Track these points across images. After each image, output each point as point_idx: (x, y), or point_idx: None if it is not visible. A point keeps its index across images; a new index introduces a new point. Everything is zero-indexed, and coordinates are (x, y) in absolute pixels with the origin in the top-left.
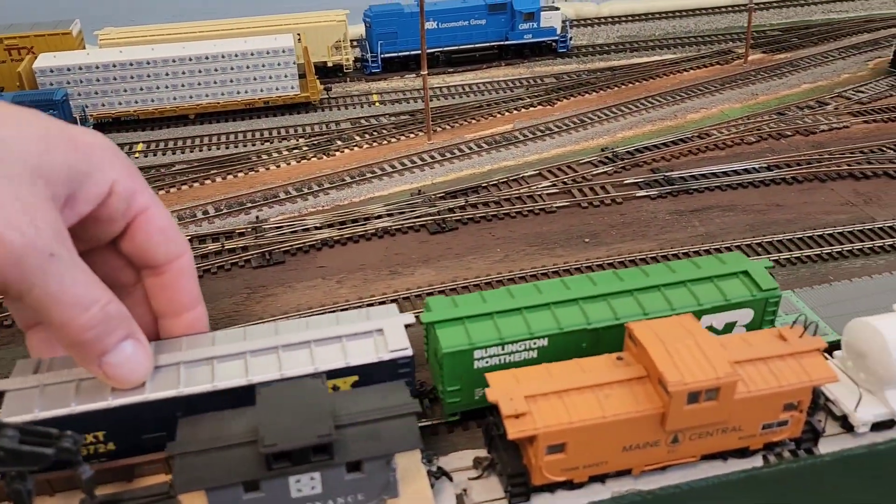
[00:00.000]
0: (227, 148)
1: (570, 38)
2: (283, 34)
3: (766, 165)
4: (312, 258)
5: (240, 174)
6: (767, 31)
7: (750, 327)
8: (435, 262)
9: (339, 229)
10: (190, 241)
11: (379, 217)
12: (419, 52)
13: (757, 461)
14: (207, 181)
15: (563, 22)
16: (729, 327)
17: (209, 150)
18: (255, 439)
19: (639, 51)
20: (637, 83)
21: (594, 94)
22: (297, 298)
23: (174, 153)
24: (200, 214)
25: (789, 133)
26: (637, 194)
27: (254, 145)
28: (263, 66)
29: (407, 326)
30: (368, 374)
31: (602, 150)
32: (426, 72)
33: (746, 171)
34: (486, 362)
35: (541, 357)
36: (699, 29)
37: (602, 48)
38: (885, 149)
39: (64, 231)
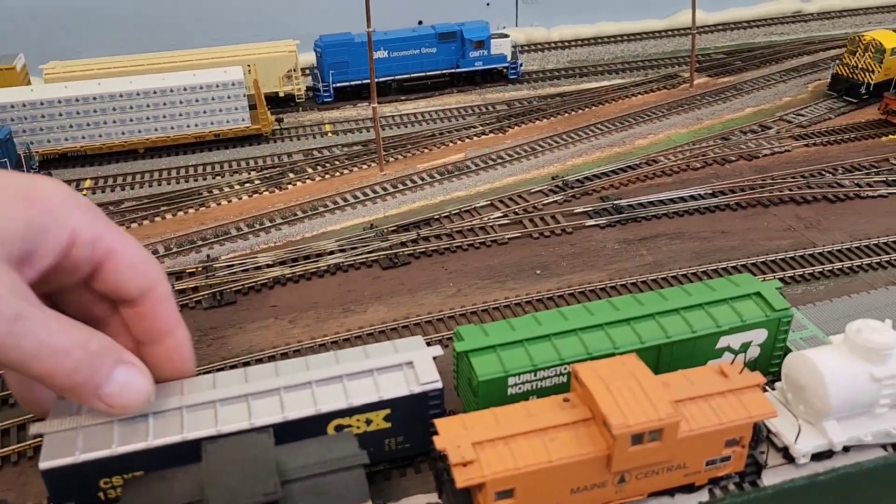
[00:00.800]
0: (177, 183)
1: (521, 65)
2: (233, 66)
3: (711, 192)
4: (264, 297)
5: (190, 210)
6: (712, 53)
7: (764, 346)
8: (388, 298)
9: (291, 267)
10: None
11: (331, 253)
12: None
13: (703, 496)
14: (157, 218)
15: (513, 48)
16: (745, 347)
17: (159, 185)
18: (200, 499)
19: (588, 76)
20: (586, 109)
21: (545, 120)
22: (249, 340)
23: (123, 189)
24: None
25: (733, 158)
26: (587, 223)
27: (204, 179)
28: (213, 99)
29: (434, 358)
30: (400, 407)
31: (553, 178)
32: (376, 103)
33: (693, 197)
34: (519, 389)
35: (569, 382)
36: (646, 53)
37: (552, 73)
38: (824, 173)
39: (24, 288)
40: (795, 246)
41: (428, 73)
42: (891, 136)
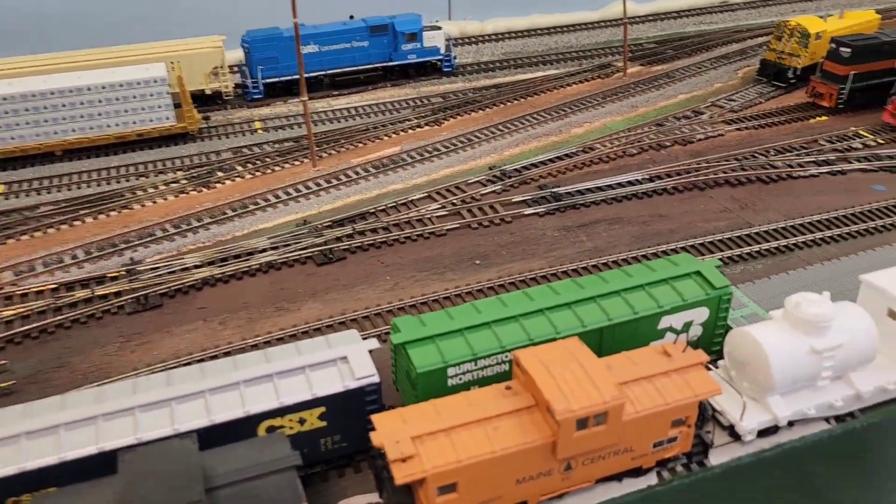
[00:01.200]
0: (98, 185)
1: (455, 57)
2: (156, 63)
3: (648, 177)
4: (192, 299)
5: (112, 213)
6: (644, 43)
7: (706, 325)
8: (323, 294)
9: (220, 267)
10: (55, 289)
11: (263, 251)
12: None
13: (652, 479)
14: (77, 222)
15: (447, 41)
16: (687, 326)
17: (78, 188)
18: None
19: (523, 67)
20: (522, 99)
21: (481, 112)
22: (177, 344)
23: (39, 193)
24: (69, 259)
25: (668, 143)
26: (525, 212)
27: (128, 181)
28: (135, 97)
29: (371, 352)
30: (335, 404)
31: (490, 168)
32: (307, 97)
33: (630, 183)
34: (461, 379)
35: (511, 369)
36: (580, 44)
37: (487, 66)
38: (756, 155)
39: None
40: (732, 227)
41: (360, 68)
42: (819, 118)
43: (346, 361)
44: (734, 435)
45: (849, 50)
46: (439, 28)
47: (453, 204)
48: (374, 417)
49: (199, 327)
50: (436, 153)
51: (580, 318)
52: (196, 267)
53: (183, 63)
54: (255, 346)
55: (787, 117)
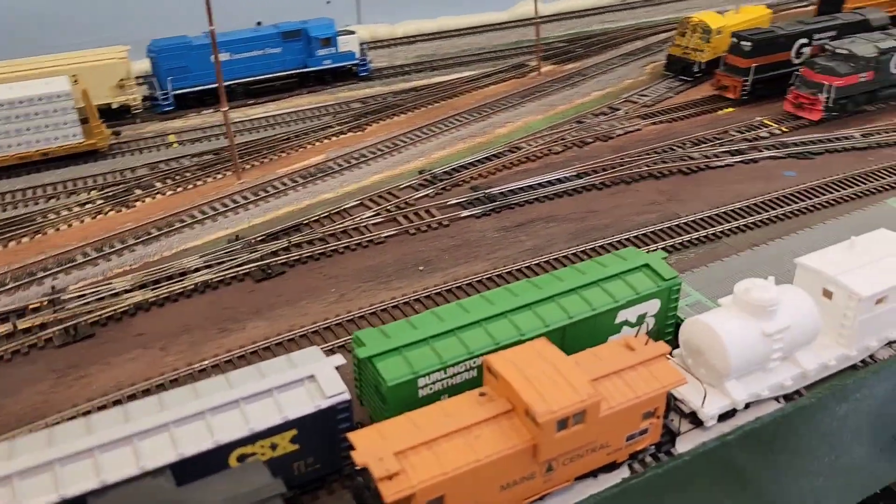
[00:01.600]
0: (3, 211)
1: (370, 61)
2: (57, 77)
3: (576, 174)
4: (127, 326)
5: (24, 239)
6: (553, 42)
7: (658, 316)
8: (267, 312)
9: (153, 289)
10: None
11: (197, 270)
12: (214, 85)
13: (625, 472)
14: None
15: (361, 45)
16: (641, 319)
17: None
18: None
19: (438, 69)
20: (442, 102)
21: (403, 116)
22: (117, 375)
23: None
24: None
25: (590, 140)
26: (462, 215)
27: (36, 204)
28: (37, 114)
29: (337, 368)
30: (307, 426)
31: (420, 172)
32: (226, 107)
33: (559, 181)
34: (431, 389)
35: (480, 375)
36: (491, 44)
37: (402, 69)
38: (674, 148)
39: None
40: (662, 218)
41: (275, 75)
42: (726, 110)
43: (314, 380)
44: (696, 421)
45: (749, 44)
46: (353, 32)
47: (388, 210)
48: (352, 436)
49: (139, 355)
50: (363, 159)
51: (542, 318)
52: (126, 291)
53: (86, 76)
54: (203, 371)
55: (697, 110)
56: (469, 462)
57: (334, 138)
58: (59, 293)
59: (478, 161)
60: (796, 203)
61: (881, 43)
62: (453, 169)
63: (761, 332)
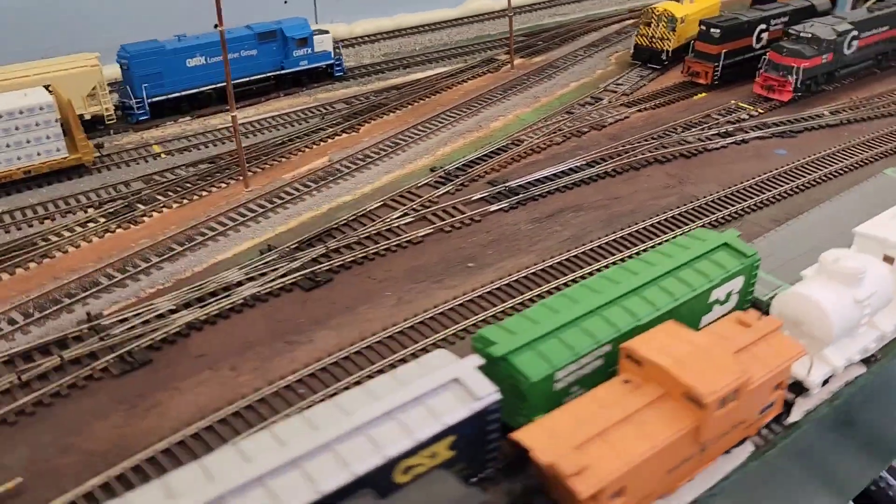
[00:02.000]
0: None
1: (344, 61)
2: (32, 88)
3: (585, 163)
4: (183, 348)
5: (31, 265)
6: (514, 37)
7: (741, 293)
8: (327, 321)
9: (201, 307)
10: (6, 362)
11: (240, 284)
12: (191, 91)
13: (750, 446)
14: None
15: (335, 45)
16: (728, 297)
17: None
18: None
19: (410, 67)
20: (426, 99)
21: (392, 114)
22: (193, 401)
23: None
24: (6, 325)
25: (586, 129)
26: (491, 209)
27: (30, 226)
28: (17, 128)
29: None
30: (463, 431)
31: (431, 170)
32: (235, 112)
33: (572, 170)
34: (564, 382)
35: (606, 363)
36: (453, 41)
37: (374, 68)
38: (668, 133)
39: None
40: (682, 200)
41: (252, 78)
42: (700, 95)
43: (460, 383)
44: (801, 390)
45: (719, 31)
46: (327, 32)
47: (415, 210)
48: (520, 435)
49: (208, 378)
50: (368, 160)
51: (651, 303)
52: (172, 312)
53: (57, 85)
54: (288, 388)
55: (674, 96)
56: (646, 450)
57: (330, 140)
58: (96, 319)
59: (486, 155)
60: (799, 178)
61: (837, 26)
62: (464, 164)
63: (853, 300)
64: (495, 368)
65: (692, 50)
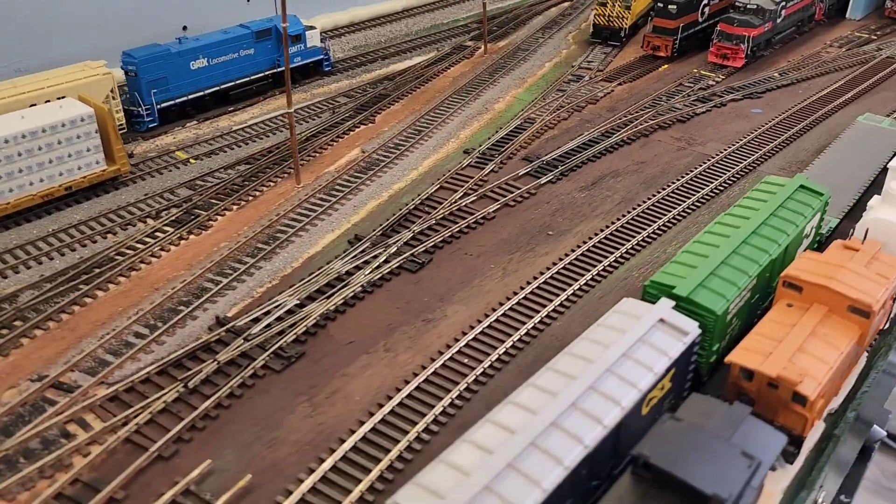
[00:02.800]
0: (62, 255)
1: (331, 55)
2: (67, 99)
3: (601, 134)
4: (328, 338)
5: (121, 279)
6: (465, 24)
7: (817, 227)
8: (450, 296)
9: (327, 298)
10: (160, 373)
11: (350, 273)
12: (197, 94)
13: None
14: (88, 300)
15: (323, 41)
16: (814, 230)
17: (40, 263)
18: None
19: (388, 58)
20: (422, 87)
21: (398, 104)
22: (367, 383)
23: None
24: (134, 339)
25: (583, 104)
26: (542, 182)
27: (94, 242)
28: (60, 143)
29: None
30: (679, 363)
31: (465, 152)
32: (292, 109)
33: (593, 141)
34: (730, 313)
35: (752, 296)
36: (413, 31)
37: (354, 61)
38: (656, 102)
39: None
40: (700, 160)
41: (251, 78)
42: (664, 66)
43: (665, 322)
44: None
45: (675, 7)
46: (314, 27)
47: (473, 189)
48: (735, 356)
49: (369, 361)
50: (402, 147)
51: (773, 239)
52: (299, 306)
53: (75, 95)
54: (454, 359)
55: (642, 70)
56: (837, 357)
57: (352, 133)
58: (228, 320)
59: (508, 135)
60: (784, 132)
61: None
62: (494, 145)
63: None
64: (677, 308)
65: (651, 26)
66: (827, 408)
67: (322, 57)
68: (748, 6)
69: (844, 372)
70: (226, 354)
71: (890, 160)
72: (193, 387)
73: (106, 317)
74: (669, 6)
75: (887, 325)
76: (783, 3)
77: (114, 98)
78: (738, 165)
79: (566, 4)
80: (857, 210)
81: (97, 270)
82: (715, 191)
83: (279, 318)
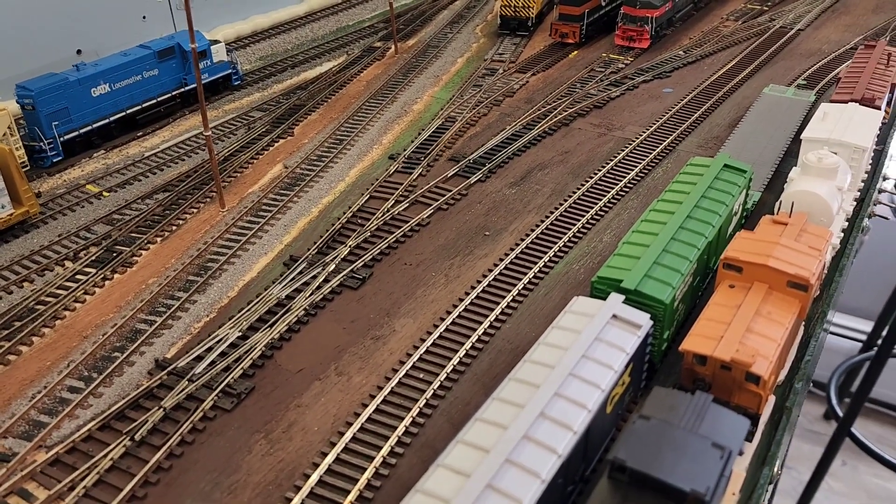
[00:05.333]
0: None
1: (240, 69)
2: None
3: (522, 126)
4: (278, 368)
5: (46, 331)
6: (374, 24)
7: (743, 203)
8: (395, 310)
9: (270, 326)
10: (102, 428)
11: (290, 298)
12: (101, 122)
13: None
14: (11, 356)
15: (230, 54)
16: (739, 207)
17: None
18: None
19: (298, 66)
20: (336, 94)
21: (314, 113)
22: (324, 411)
23: None
24: (70, 394)
25: (501, 98)
26: (471, 181)
27: (9, 293)
28: None
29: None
30: (636, 357)
31: (390, 157)
32: (209, 132)
33: (515, 136)
34: (676, 300)
35: (695, 278)
36: (319, 35)
37: (264, 72)
38: (571, 91)
39: None
40: (621, 144)
41: (158, 100)
42: (574, 53)
43: (618, 318)
44: None
45: None
46: (219, 41)
47: (403, 196)
48: (688, 345)
49: (323, 388)
50: (325, 159)
51: (706, 221)
52: (242, 338)
53: None
54: (409, 376)
55: (553, 58)
56: (783, 332)
57: (271, 148)
58: (167, 364)
59: (431, 137)
60: (696, 109)
61: None
62: (418, 148)
63: (836, 189)
64: (626, 301)
65: (558, 14)
66: (776, 381)
67: (230, 71)
68: None
69: (789, 345)
70: (171, 399)
71: (801, 130)
72: (141, 439)
73: (34, 374)
74: None
75: (818, 293)
76: None
77: (12, 135)
78: (658, 147)
79: None
80: (776, 181)
81: (17, 324)
82: (640, 174)
83: (223, 354)
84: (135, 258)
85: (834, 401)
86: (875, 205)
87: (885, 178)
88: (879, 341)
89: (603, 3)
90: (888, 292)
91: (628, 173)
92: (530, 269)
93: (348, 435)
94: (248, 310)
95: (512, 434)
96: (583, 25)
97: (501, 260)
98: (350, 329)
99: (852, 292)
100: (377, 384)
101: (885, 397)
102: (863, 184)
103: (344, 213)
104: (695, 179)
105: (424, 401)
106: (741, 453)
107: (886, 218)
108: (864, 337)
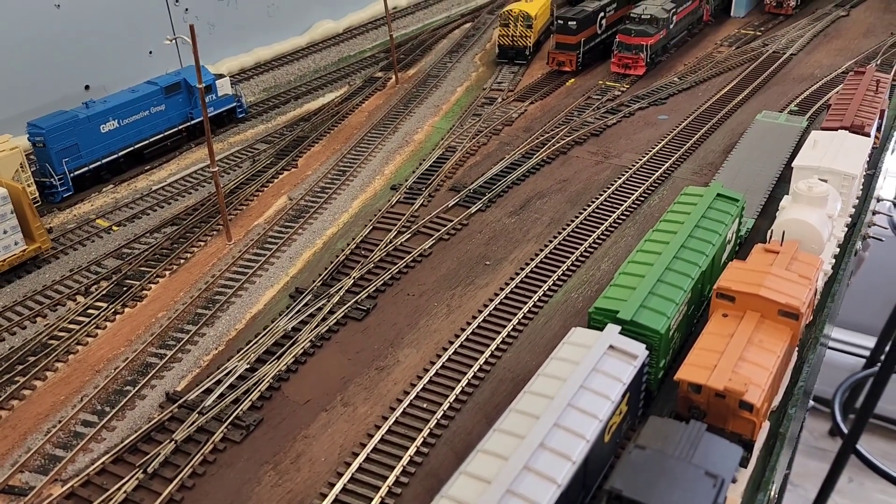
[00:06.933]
0: None
1: (246, 101)
2: None
3: (521, 156)
4: (285, 399)
5: (59, 365)
6: (375, 54)
7: (737, 232)
8: (399, 341)
9: (278, 358)
10: (116, 461)
11: (296, 329)
12: (110, 157)
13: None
14: (27, 391)
15: (234, 87)
16: (734, 236)
17: None
18: None
19: (300, 98)
20: (340, 124)
21: (317, 145)
22: (331, 441)
23: None
24: (84, 428)
25: (500, 127)
26: (472, 211)
27: (23, 328)
28: None
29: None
30: (632, 387)
31: (392, 188)
32: (216, 168)
33: (514, 165)
34: (671, 329)
35: (689, 307)
36: (321, 66)
37: (267, 104)
38: (568, 119)
39: None
40: (618, 172)
41: (164, 134)
42: (571, 81)
43: (615, 348)
44: None
45: (575, 23)
46: (223, 75)
47: (406, 227)
48: (683, 374)
49: (329, 419)
50: (328, 190)
51: (700, 251)
52: (251, 370)
53: None
54: (414, 405)
55: (551, 86)
56: (774, 361)
57: (276, 180)
58: (177, 397)
59: (432, 167)
60: (691, 135)
61: (665, 5)
62: (420, 178)
63: (827, 217)
64: (623, 331)
65: (555, 43)
66: (770, 408)
67: (235, 104)
68: (642, 17)
69: (782, 371)
70: (182, 432)
71: (793, 156)
72: (153, 471)
73: (49, 408)
74: (570, 22)
75: (810, 319)
76: (674, 9)
77: (24, 172)
78: (654, 174)
79: (468, 25)
80: (769, 207)
81: (32, 359)
82: (636, 202)
83: (231, 386)
84: (144, 292)
85: (839, 417)
86: (869, 226)
87: (878, 200)
88: (883, 357)
89: (599, 32)
90: (891, 308)
91: (625, 201)
92: (530, 298)
93: (354, 465)
94: (255, 342)
95: (513, 464)
96: (579, 54)
97: (502, 289)
98: (355, 360)
99: (855, 308)
100: (382, 414)
101: (890, 413)
102: (854, 209)
103: (347, 245)
104: (688, 209)
105: (428, 430)
106: (734, 481)
107: (880, 239)
108: (867, 353)
